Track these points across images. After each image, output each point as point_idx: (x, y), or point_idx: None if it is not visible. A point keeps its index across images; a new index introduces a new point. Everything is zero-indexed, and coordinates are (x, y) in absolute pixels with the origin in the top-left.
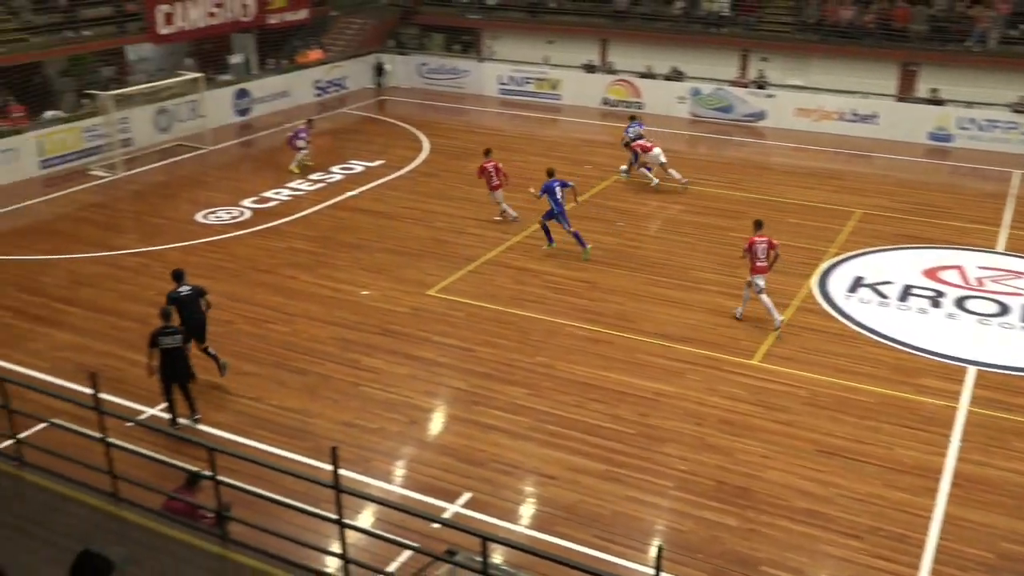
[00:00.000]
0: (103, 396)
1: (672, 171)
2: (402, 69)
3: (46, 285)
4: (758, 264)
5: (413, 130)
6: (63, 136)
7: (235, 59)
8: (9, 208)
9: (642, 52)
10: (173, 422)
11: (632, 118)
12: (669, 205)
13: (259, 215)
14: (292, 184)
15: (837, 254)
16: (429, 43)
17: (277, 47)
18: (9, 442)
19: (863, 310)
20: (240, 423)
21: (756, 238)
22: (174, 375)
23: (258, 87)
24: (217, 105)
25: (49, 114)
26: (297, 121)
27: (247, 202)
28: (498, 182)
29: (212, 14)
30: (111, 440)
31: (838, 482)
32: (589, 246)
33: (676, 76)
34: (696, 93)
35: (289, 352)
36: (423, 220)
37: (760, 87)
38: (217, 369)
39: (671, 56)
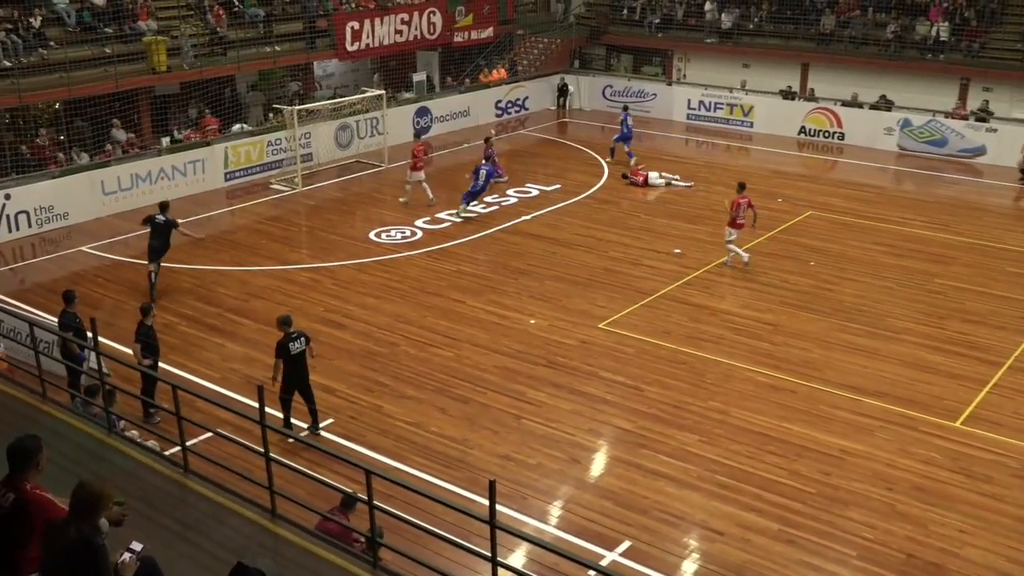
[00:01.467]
0: (268, 411)
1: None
2: (586, 91)
3: (221, 295)
4: (738, 221)
5: (593, 154)
6: (248, 149)
7: (418, 77)
8: (192, 218)
9: (847, 78)
10: (287, 424)
11: (625, 108)
12: (869, 246)
13: (431, 235)
14: (468, 205)
15: None
16: (616, 64)
17: (460, 65)
18: (176, 448)
19: None
20: (399, 448)
21: (740, 199)
22: (298, 380)
23: (439, 106)
24: (398, 122)
25: (236, 127)
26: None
27: (420, 222)
28: (421, 162)
29: (399, 31)
30: (273, 455)
31: None
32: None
33: (884, 105)
34: (906, 124)
35: (452, 378)
36: (597, 249)
37: (981, 120)
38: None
39: (880, 83)
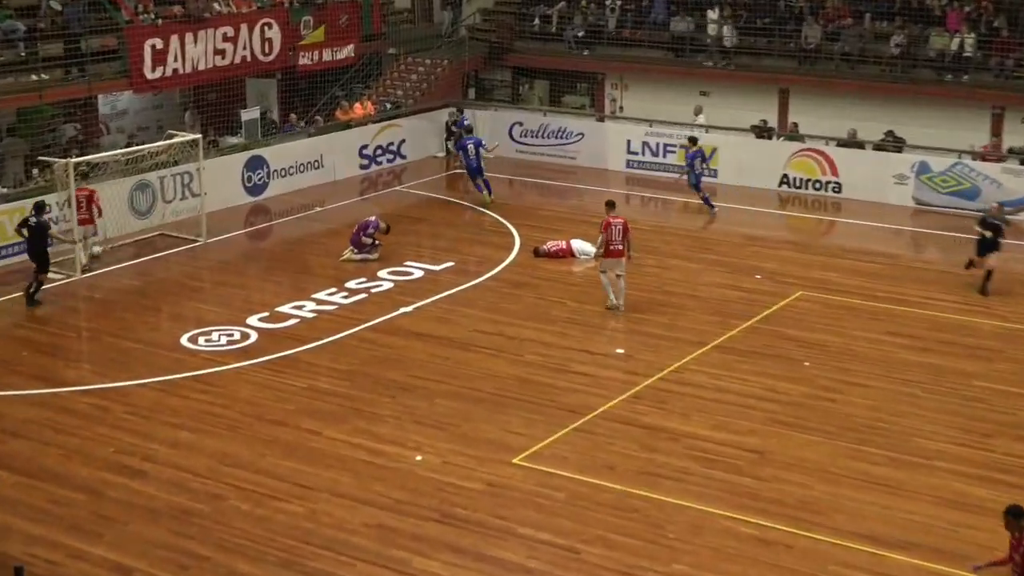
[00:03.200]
0: None
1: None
2: (487, 129)
3: None
4: (612, 248)
5: (499, 219)
6: (2, 220)
7: (249, 115)
8: None
9: (841, 109)
10: None
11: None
12: (882, 337)
13: (270, 338)
14: (320, 294)
15: None
16: (527, 94)
17: (309, 97)
18: None
19: None
20: None
21: (611, 219)
22: None
23: (279, 154)
24: (221, 179)
25: None
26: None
27: (254, 319)
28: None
29: (220, 52)
30: None
31: None
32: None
33: (893, 145)
34: (923, 170)
35: (304, 545)
36: (507, 351)
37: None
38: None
39: (885, 115)
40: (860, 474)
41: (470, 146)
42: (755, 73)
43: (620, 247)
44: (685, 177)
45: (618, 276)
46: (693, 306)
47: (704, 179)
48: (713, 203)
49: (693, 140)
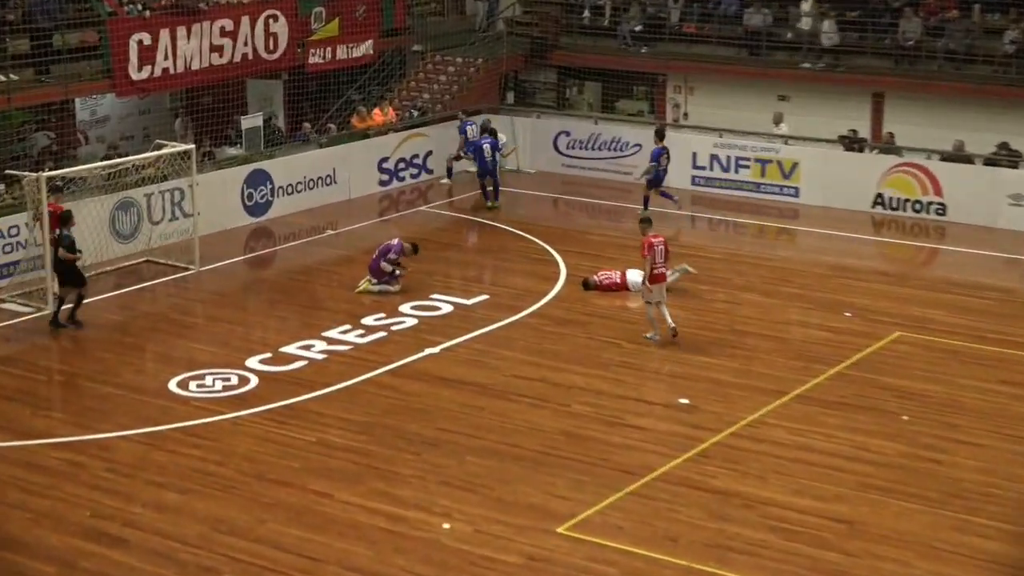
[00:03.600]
0: None
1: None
2: (528, 141)
3: None
4: (657, 271)
5: (542, 244)
6: None
7: (250, 122)
8: None
9: (945, 117)
10: None
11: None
12: (995, 387)
13: (273, 384)
14: (332, 332)
15: None
16: (575, 98)
17: (321, 102)
18: None
19: None
20: None
21: (652, 238)
22: None
23: (285, 168)
24: (217, 197)
25: None
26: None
27: (255, 361)
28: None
29: (218, 48)
30: None
31: None
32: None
33: (1007, 159)
34: None
35: None
36: (551, 400)
37: None
38: None
39: (997, 124)
40: (969, 550)
41: (486, 146)
42: (844, 74)
43: (664, 269)
44: (647, 176)
45: (658, 304)
46: (770, 348)
47: (781, 198)
48: (673, 195)
49: (660, 135)
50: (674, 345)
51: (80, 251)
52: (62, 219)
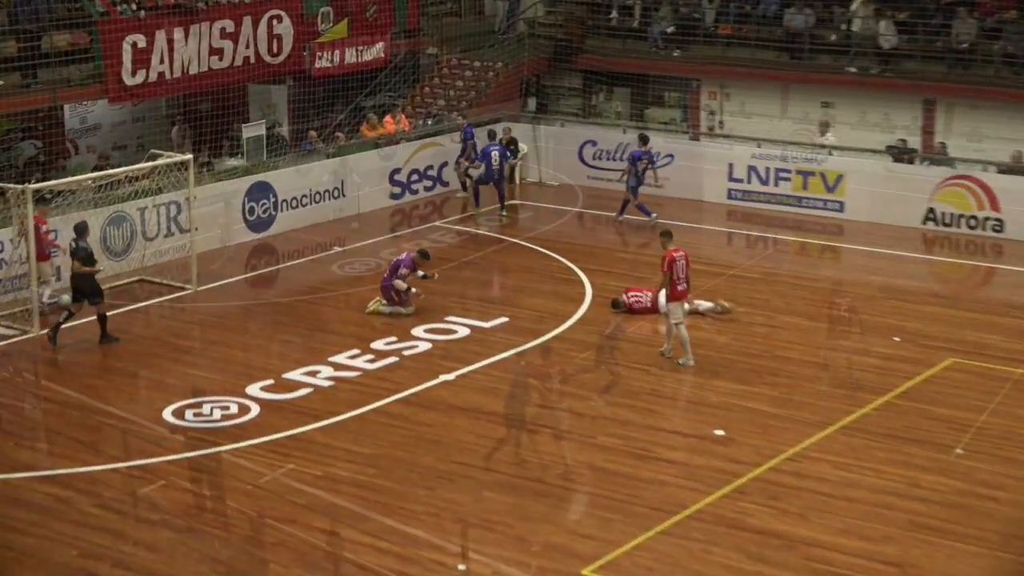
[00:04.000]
0: None
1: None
2: (551, 151)
3: None
4: (679, 287)
5: (566, 262)
6: None
7: (252, 131)
8: None
9: (1004, 125)
10: None
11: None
12: None
13: (275, 413)
14: (339, 357)
15: None
16: (602, 105)
17: (328, 109)
18: None
19: None
20: None
21: (673, 253)
22: None
23: (289, 180)
24: (216, 211)
25: None
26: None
27: (256, 388)
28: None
29: (217, 51)
30: None
31: None
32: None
33: None
34: None
35: None
36: (576, 431)
37: None
38: None
39: None
40: None
41: (494, 154)
42: (893, 79)
43: (685, 286)
44: (625, 179)
45: (677, 324)
46: (813, 376)
47: (827, 213)
48: (651, 211)
49: (644, 139)
50: (709, 372)
51: (98, 262)
52: (77, 230)
